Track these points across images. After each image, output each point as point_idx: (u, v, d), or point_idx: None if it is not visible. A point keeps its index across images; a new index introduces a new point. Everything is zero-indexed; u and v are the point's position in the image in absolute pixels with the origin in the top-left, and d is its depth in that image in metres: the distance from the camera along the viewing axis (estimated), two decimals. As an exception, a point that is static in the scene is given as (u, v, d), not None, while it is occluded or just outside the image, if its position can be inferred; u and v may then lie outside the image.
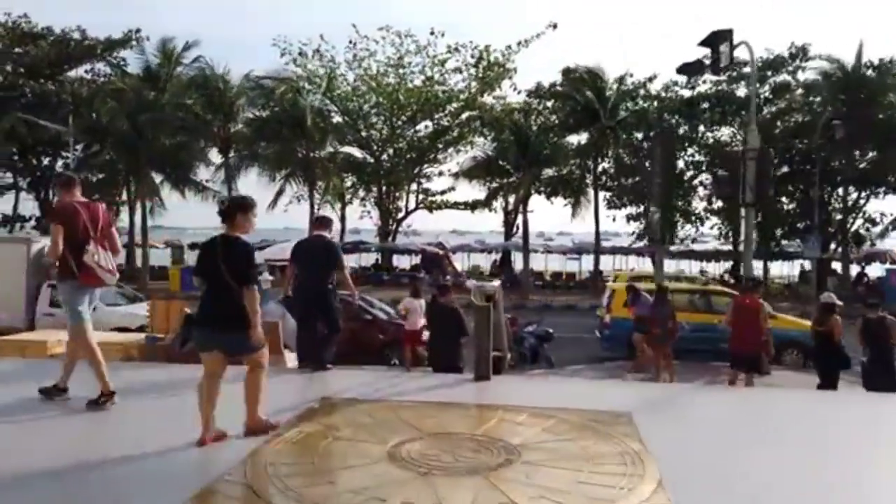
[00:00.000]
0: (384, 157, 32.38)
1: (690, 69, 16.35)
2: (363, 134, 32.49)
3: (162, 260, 33.70)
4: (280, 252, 10.12)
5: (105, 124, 26.03)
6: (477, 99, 31.16)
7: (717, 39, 14.36)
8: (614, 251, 33.50)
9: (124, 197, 32.39)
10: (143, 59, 30.78)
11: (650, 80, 28.72)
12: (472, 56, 30.91)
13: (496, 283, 8.06)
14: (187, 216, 41.32)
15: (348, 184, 32.83)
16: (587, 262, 36.87)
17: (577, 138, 29.20)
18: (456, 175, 31.08)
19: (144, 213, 28.25)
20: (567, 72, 28.16)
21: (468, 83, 31.46)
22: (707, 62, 15.28)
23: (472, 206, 32.69)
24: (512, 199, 32.63)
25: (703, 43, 14.83)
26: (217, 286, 4.44)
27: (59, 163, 31.32)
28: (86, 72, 32.57)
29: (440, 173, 32.99)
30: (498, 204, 33.41)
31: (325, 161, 28.27)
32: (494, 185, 30.28)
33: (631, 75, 28.55)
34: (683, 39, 78.79)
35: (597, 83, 27.40)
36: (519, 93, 30.77)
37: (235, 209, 4.61)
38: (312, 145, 27.59)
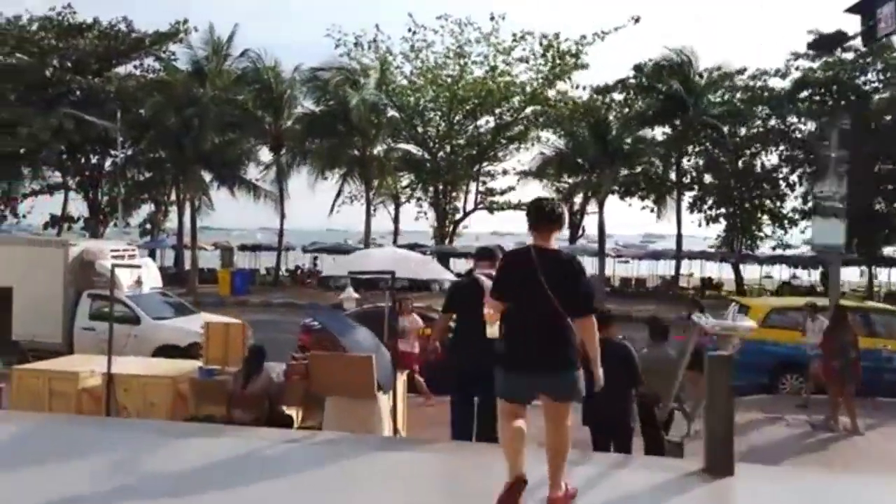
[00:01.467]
0: (440, 154, 30.28)
1: (827, 42, 13.83)
2: (419, 130, 30.51)
3: (210, 262, 32.36)
4: (366, 262, 8.07)
5: (152, 120, 24.63)
6: (543, 92, 28.72)
7: (877, 1, 11.87)
8: (697, 256, 30.66)
9: (172, 196, 31.22)
10: (190, 53, 29.54)
11: (739, 72, 25.89)
12: (541, 44, 28.51)
13: (747, 321, 5.82)
14: (231, 217, 40.01)
15: (404, 182, 30.84)
16: (645, 267, 34.32)
17: (652, 133, 26.55)
18: (524, 174, 28.75)
19: (193, 213, 26.84)
20: (638, 68, 25.55)
21: (535, 74, 29.05)
22: (849, 33, 12.80)
23: (537, 207, 30.24)
24: (579, 199, 30.27)
25: (853, 9, 12.34)
26: (536, 314, 3.67)
27: (108, 161, 30.25)
28: (134, 67, 31.48)
29: (504, 172, 30.66)
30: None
31: (381, 158, 26.30)
32: (564, 184, 27.88)
33: (719, 68, 25.75)
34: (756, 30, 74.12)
35: (685, 71, 24.72)
36: (584, 88, 28.29)
37: (560, 216, 3.84)
38: (366, 142, 25.67)
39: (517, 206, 30.47)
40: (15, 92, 27.58)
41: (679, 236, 26.19)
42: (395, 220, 32.85)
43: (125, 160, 27.15)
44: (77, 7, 29.11)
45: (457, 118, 30.35)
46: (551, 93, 28.72)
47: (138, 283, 7.98)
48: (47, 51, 28.18)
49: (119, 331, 12.39)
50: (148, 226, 32.70)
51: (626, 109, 26.22)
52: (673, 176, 26.05)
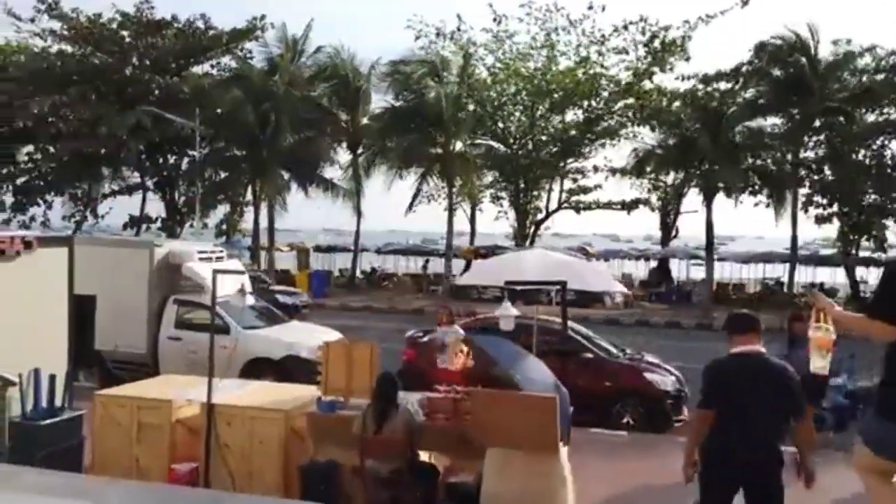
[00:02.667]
0: (521, 151, 28.48)
1: None
2: (500, 125, 28.83)
3: (284, 264, 31.63)
4: (521, 268, 6.48)
5: (229, 116, 23.87)
6: (640, 84, 26.43)
7: None
8: (810, 259, 27.75)
9: (248, 196, 30.63)
10: (266, 50, 28.85)
11: (868, 50, 22.93)
12: (645, 34, 26.19)
13: None
14: (291, 218, 39.08)
15: (488, 179, 29.21)
16: (737, 271, 31.56)
17: (765, 123, 23.93)
18: (621, 171, 26.59)
19: (271, 214, 26.02)
20: (761, 47, 22.89)
21: (632, 65, 26.75)
22: None
23: (630, 205, 28.14)
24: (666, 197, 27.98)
25: None
26: None
27: (185, 161, 29.89)
28: (211, 66, 31.04)
29: (595, 169, 28.50)
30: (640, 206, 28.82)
31: (466, 155, 24.70)
32: (660, 182, 25.64)
33: (849, 41, 22.88)
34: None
35: (806, 51, 22.08)
36: (686, 79, 25.86)
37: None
38: (448, 138, 24.16)
39: (608, 205, 28.43)
40: (95, 91, 27.47)
41: (794, 238, 23.55)
42: (472, 220, 31.32)
43: (203, 159, 26.53)
44: (155, 2, 28.54)
45: (539, 112, 28.56)
46: (648, 85, 26.47)
47: (242, 292, 6.64)
48: (127, 49, 27.96)
49: (207, 342, 11.30)
50: (223, 227, 32.23)
51: (738, 97, 23.67)
52: (789, 169, 23.30)
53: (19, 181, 29.96)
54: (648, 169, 25.16)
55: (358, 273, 30.44)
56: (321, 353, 6.26)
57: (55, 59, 27.82)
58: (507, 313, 5.86)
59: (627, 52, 26.55)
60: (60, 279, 7.25)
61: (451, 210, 24.79)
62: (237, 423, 5.98)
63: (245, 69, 28.15)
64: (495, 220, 30.16)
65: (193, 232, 28.82)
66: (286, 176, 26.47)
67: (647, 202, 27.67)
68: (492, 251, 30.84)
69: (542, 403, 4.64)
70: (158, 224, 31.13)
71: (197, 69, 30.64)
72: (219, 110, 25.08)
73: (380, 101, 27.15)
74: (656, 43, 25.78)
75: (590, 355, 9.11)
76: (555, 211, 29.61)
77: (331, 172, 28.35)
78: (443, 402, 5.50)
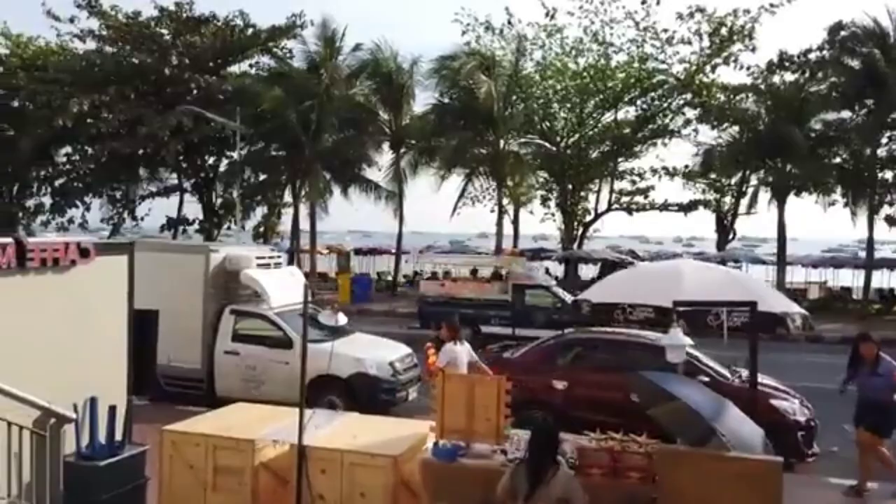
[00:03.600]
0: (569, 149, 27.19)
1: None
2: (546, 124, 27.58)
3: (321, 267, 30.73)
4: (680, 285, 5.35)
5: (271, 115, 23.06)
6: (700, 78, 24.96)
7: None
8: (885, 264, 25.98)
9: (285, 198, 29.88)
10: (305, 49, 28.06)
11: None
12: (710, 24, 24.69)
13: None
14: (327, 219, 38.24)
15: (535, 180, 27.94)
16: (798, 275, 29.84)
17: (839, 116, 22.29)
18: (684, 174, 25.15)
19: (313, 216, 25.16)
20: (835, 29, 21.31)
21: (696, 57, 25.26)
22: None
23: (688, 207, 26.69)
24: (729, 198, 26.48)
25: None
26: None
27: (224, 162, 29.24)
28: (250, 66, 30.33)
29: (653, 171, 26.97)
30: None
31: (518, 154, 23.46)
32: (717, 182, 24.17)
33: None
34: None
35: (885, 41, 20.48)
36: (748, 68, 24.31)
37: None
38: (497, 136, 23.02)
39: (664, 207, 27.01)
40: (135, 91, 26.91)
41: (870, 240, 21.94)
42: (515, 221, 30.08)
43: (243, 159, 25.77)
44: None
45: (587, 110, 27.27)
46: (707, 79, 24.98)
47: (334, 308, 5.65)
48: (166, 48, 27.36)
49: (267, 357, 10.39)
50: (260, 229, 31.51)
51: (812, 88, 22.12)
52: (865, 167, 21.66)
53: (57, 182, 29.55)
54: (716, 166, 23.62)
55: (400, 277, 29.44)
56: (434, 386, 5.17)
57: (95, 58, 27.32)
58: (677, 342, 4.73)
59: (690, 43, 25.00)
60: (119, 292, 6.32)
61: (500, 211, 23.66)
62: (334, 470, 4.96)
63: (285, 68, 27.38)
64: (541, 222, 28.89)
65: (232, 234, 28.15)
66: (327, 177, 25.55)
67: (707, 203, 26.19)
68: (537, 254, 29.74)
69: (762, 469, 3.50)
70: (195, 226, 30.54)
71: (234, 68, 29.99)
72: (260, 109, 24.19)
73: (425, 99, 26.25)
74: (723, 31, 24.21)
75: (706, 378, 7.89)
76: (604, 212, 28.28)
77: (372, 173, 27.45)
78: (598, 452, 4.39)
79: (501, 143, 23.49)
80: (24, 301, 5.32)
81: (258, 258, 10.58)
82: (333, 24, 26.86)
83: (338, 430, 5.46)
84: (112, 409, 5.57)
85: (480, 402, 4.86)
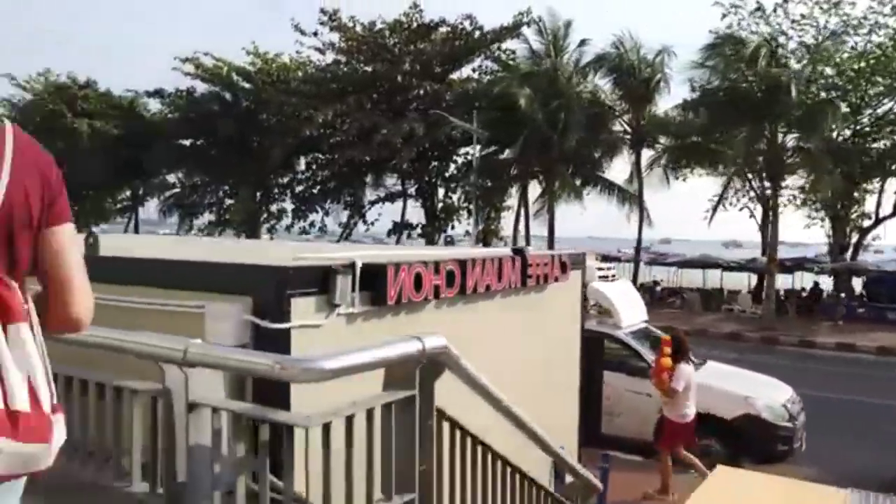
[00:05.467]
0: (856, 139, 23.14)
1: None
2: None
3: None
4: None
5: (523, 115, 22.15)
6: None
7: None
8: None
9: (507, 202, 29.15)
10: (526, 47, 27.05)
11: None
12: None
13: None
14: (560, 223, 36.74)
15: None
16: None
17: None
18: None
19: (552, 220, 23.93)
20: None
21: None
22: None
23: None
24: None
25: None
26: None
27: (451, 167, 29.20)
28: (472, 70, 30.00)
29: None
30: None
31: (811, 149, 20.13)
32: None
33: None
34: None
35: None
36: None
37: None
38: (775, 130, 20.01)
39: None
40: (369, 100, 27.64)
41: None
42: (763, 225, 26.46)
43: (479, 162, 25.24)
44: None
45: (868, 95, 23.12)
46: None
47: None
48: (399, 56, 27.80)
49: (623, 386, 9.08)
50: (480, 234, 31.09)
51: None
52: None
53: (297, 189, 31.35)
54: None
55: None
56: None
57: (335, 69, 28.51)
58: None
59: None
60: (573, 314, 5.23)
61: (776, 214, 20.61)
62: None
63: (512, 70, 26.58)
64: (805, 228, 25.10)
65: (459, 239, 27.93)
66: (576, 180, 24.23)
67: None
68: (799, 264, 25.99)
69: None
70: (419, 231, 30.83)
71: (455, 75, 29.82)
72: (503, 111, 23.38)
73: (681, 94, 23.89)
74: None
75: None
76: (889, 216, 23.84)
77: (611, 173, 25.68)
78: None
79: (780, 136, 20.37)
80: (526, 326, 4.28)
81: (598, 269, 9.27)
82: (559, 21, 25.67)
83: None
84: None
85: None
